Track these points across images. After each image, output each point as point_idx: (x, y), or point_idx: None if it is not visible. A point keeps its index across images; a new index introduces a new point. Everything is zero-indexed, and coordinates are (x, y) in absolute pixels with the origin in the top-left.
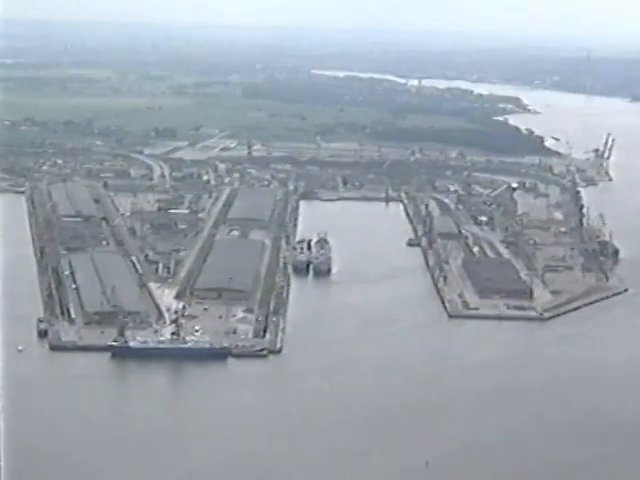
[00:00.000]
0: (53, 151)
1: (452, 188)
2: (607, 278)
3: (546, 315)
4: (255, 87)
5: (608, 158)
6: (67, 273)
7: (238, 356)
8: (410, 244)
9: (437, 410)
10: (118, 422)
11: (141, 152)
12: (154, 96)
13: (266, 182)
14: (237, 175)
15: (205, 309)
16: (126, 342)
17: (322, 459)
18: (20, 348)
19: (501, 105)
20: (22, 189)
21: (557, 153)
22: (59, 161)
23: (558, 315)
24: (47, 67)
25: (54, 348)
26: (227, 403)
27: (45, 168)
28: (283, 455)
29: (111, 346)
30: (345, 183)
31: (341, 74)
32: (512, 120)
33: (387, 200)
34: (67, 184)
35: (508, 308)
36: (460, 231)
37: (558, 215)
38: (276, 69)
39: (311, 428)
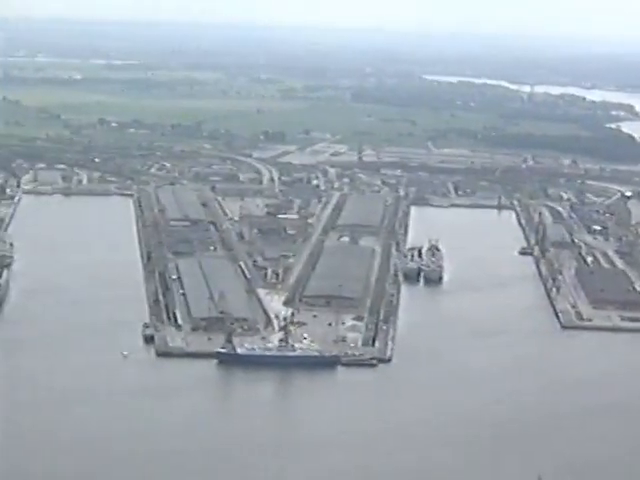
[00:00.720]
0: (161, 154)
1: (565, 196)
2: None
3: None
4: (365, 91)
5: None
6: (174, 278)
7: (347, 365)
8: (522, 253)
9: (550, 424)
10: (225, 431)
11: (250, 155)
12: (263, 99)
13: (376, 187)
14: (347, 180)
15: (314, 316)
16: (234, 349)
17: (433, 472)
18: (125, 353)
19: (614, 112)
20: (130, 192)
21: None
22: (167, 164)
23: None
24: (156, 69)
25: (160, 354)
26: (336, 413)
27: (153, 171)
28: (393, 468)
29: (218, 353)
30: (456, 189)
31: (453, 79)
32: (625, 127)
33: (499, 208)
34: (175, 187)
35: (622, 319)
36: (573, 240)
37: None
38: (386, 73)
39: (421, 440)
